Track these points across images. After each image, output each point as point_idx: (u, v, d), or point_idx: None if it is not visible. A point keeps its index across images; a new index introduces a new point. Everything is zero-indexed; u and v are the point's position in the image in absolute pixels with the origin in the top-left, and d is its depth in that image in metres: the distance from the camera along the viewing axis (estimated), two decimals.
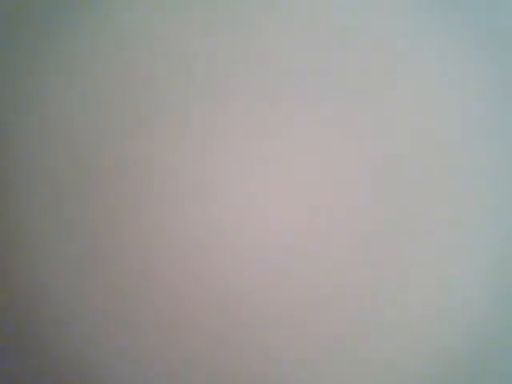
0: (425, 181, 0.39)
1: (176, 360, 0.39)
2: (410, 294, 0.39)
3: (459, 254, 0.39)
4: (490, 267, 0.39)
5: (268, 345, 0.39)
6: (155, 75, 0.40)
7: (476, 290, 0.39)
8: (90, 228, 0.40)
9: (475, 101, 0.40)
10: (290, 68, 0.40)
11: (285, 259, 0.39)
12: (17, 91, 0.40)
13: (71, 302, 0.40)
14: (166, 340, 0.39)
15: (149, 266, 0.39)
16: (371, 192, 0.39)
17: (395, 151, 0.39)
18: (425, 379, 0.39)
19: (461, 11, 0.40)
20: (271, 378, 0.39)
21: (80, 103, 0.40)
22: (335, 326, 0.39)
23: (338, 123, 0.40)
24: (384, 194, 0.39)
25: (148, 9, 0.40)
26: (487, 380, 0.39)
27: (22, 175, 0.40)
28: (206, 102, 0.40)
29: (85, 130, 0.40)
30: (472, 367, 0.39)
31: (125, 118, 0.40)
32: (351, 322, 0.39)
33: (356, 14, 0.40)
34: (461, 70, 0.40)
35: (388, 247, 0.39)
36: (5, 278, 0.40)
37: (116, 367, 0.40)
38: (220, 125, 0.40)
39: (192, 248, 0.39)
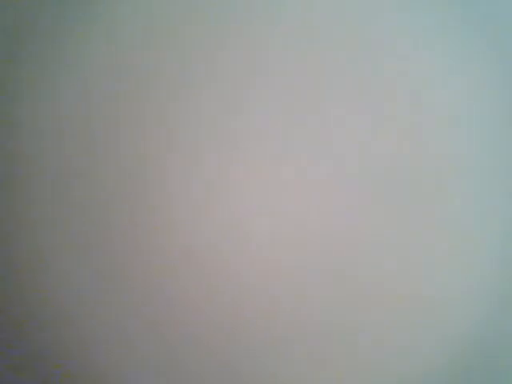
0: (425, 181, 0.39)
1: (179, 356, 0.39)
2: (410, 294, 0.39)
3: (459, 255, 0.39)
4: (490, 267, 0.39)
5: (275, 343, 0.39)
6: (156, 75, 0.40)
7: (476, 290, 0.39)
8: (92, 222, 0.40)
9: (475, 101, 0.40)
10: (296, 70, 0.40)
11: (286, 259, 0.39)
12: (19, 92, 0.40)
13: (72, 294, 0.40)
14: (171, 335, 0.39)
15: (152, 265, 0.39)
16: (373, 193, 0.39)
17: (396, 152, 0.39)
18: (424, 378, 0.39)
19: (461, 10, 0.40)
20: (273, 373, 0.39)
21: (82, 105, 0.40)
22: (334, 326, 0.39)
23: (343, 125, 0.40)
24: (385, 195, 0.39)
25: (150, 9, 0.40)
26: (487, 380, 0.39)
27: (25, 172, 0.40)
28: (209, 102, 0.40)
29: (91, 128, 0.40)
30: (472, 367, 0.39)
31: (128, 119, 0.40)
32: (350, 321, 0.39)
33: (356, 16, 0.40)
34: (461, 72, 0.40)
35: (388, 247, 0.39)
36: (6, 273, 0.40)
37: (117, 363, 0.40)
38: (225, 125, 0.40)
39: (199, 246, 0.39)
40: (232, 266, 0.39)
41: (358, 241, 0.39)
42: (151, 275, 0.39)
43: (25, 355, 0.39)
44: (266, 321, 0.39)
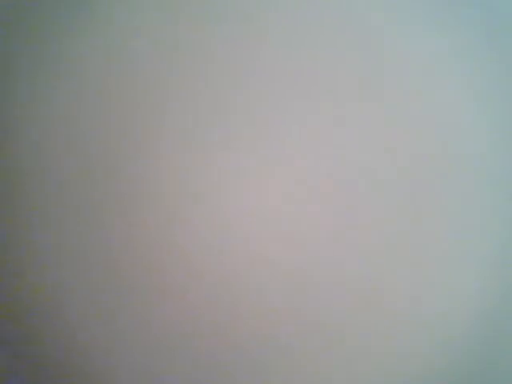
0: (425, 180, 0.39)
1: (178, 359, 0.39)
2: (410, 294, 0.39)
3: (459, 255, 0.39)
4: (490, 267, 0.39)
5: (273, 343, 0.39)
6: (157, 78, 0.40)
7: (476, 290, 0.39)
8: (88, 222, 0.40)
9: (475, 101, 0.40)
10: (291, 75, 0.40)
11: (285, 259, 0.39)
12: (18, 92, 0.40)
13: (69, 294, 0.40)
14: (167, 337, 0.39)
15: (152, 266, 0.39)
16: (372, 193, 0.39)
17: (396, 152, 0.40)
18: (424, 379, 0.39)
19: (461, 10, 0.40)
20: (270, 373, 0.39)
21: (81, 104, 0.40)
22: (333, 326, 0.39)
23: (339, 127, 0.40)
24: (384, 195, 0.39)
25: (151, 11, 0.40)
26: (486, 380, 0.39)
27: (27, 173, 0.40)
28: (207, 102, 0.40)
29: (85, 130, 0.40)
30: (471, 368, 0.39)
31: (127, 119, 0.40)
32: (350, 321, 0.39)
33: (357, 16, 0.40)
34: (462, 72, 0.40)
35: (388, 247, 0.39)
36: (6, 272, 0.40)
37: (114, 362, 0.40)
38: (221, 125, 0.40)
39: (196, 246, 0.39)
40: (229, 266, 0.39)
41: (357, 241, 0.39)
42: (148, 275, 0.39)
43: (22, 354, 0.39)
44: (264, 321, 0.39)
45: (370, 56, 0.40)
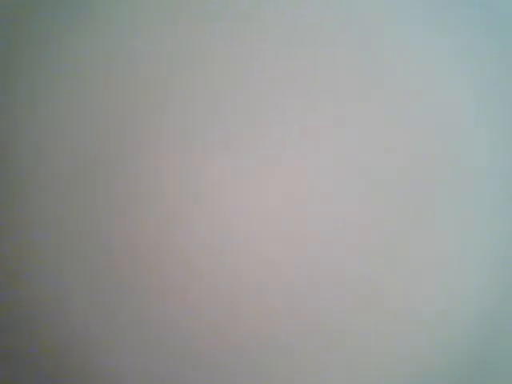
0: (425, 180, 0.39)
1: (177, 357, 0.39)
2: (410, 294, 0.39)
3: (459, 255, 0.39)
4: (490, 268, 0.39)
5: (272, 344, 0.39)
6: (156, 77, 0.40)
7: (476, 289, 0.39)
8: (88, 222, 0.40)
9: (475, 101, 0.40)
10: (291, 75, 0.40)
11: (284, 259, 0.39)
12: (18, 92, 0.40)
13: (69, 295, 0.40)
14: (168, 337, 0.39)
15: (152, 266, 0.39)
16: (372, 194, 0.39)
17: (396, 152, 0.39)
18: (424, 379, 0.39)
19: (462, 10, 0.40)
20: (273, 370, 0.39)
21: (81, 104, 0.40)
22: (333, 326, 0.39)
23: (339, 127, 0.40)
24: (384, 196, 0.39)
25: (151, 11, 0.40)
26: (486, 380, 0.39)
27: (27, 173, 0.40)
28: (207, 102, 0.40)
29: (85, 131, 0.40)
30: (471, 367, 0.39)
31: (127, 119, 0.40)
32: (349, 321, 0.39)
33: (357, 16, 0.40)
34: (462, 72, 0.40)
35: (387, 247, 0.39)
36: (5, 274, 0.40)
37: (114, 363, 0.40)
38: (221, 125, 0.40)
39: (195, 246, 0.39)
40: (229, 266, 0.39)
41: (357, 241, 0.39)
42: (148, 275, 0.39)
43: (22, 354, 0.39)
44: (264, 321, 0.39)
45: (369, 56, 0.40)
